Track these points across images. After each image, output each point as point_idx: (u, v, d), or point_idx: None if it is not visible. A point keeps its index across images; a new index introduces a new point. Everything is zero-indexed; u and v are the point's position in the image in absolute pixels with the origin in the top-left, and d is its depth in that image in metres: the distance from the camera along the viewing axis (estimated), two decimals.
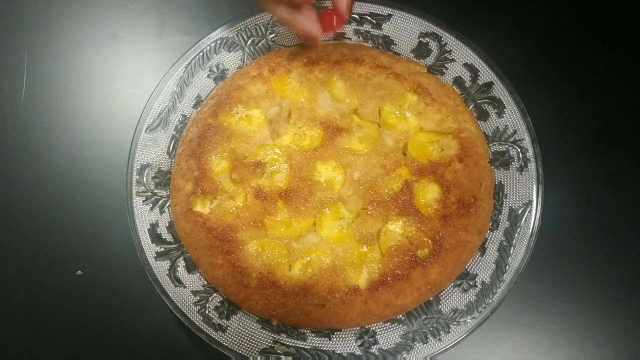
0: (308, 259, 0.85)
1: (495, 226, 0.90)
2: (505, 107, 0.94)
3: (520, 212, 0.89)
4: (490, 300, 0.85)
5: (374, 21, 1.00)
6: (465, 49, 0.97)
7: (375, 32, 1.00)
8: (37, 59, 1.10)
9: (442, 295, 0.87)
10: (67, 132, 1.05)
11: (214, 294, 0.87)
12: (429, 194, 0.89)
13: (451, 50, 0.98)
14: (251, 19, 0.99)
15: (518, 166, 0.91)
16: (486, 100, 0.96)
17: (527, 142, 0.92)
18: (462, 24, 0.99)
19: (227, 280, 0.85)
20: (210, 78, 0.98)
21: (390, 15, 0.99)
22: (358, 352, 0.84)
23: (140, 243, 0.88)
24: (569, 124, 1.04)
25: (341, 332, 0.86)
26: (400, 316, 0.86)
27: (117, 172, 0.96)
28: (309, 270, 0.84)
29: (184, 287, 0.87)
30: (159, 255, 0.88)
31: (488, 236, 0.89)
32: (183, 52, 0.98)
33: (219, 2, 1.15)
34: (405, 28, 0.99)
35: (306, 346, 0.85)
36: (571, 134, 1.03)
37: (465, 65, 0.97)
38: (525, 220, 0.88)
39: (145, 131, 0.94)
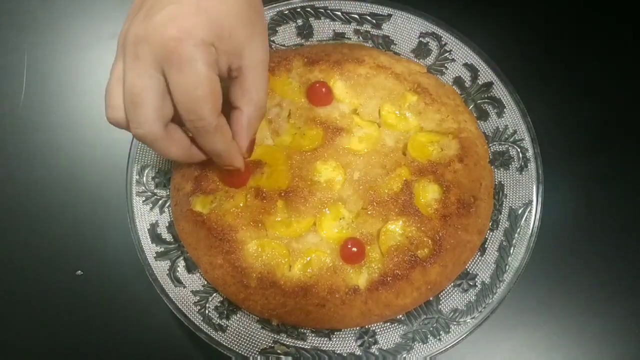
0: (308, 258, 0.85)
1: (495, 226, 0.90)
2: (505, 107, 0.94)
3: (520, 212, 0.89)
4: (490, 300, 0.85)
5: (374, 21, 1.00)
6: (465, 49, 0.97)
7: (375, 32, 1.00)
8: (37, 58, 1.10)
9: (442, 295, 0.87)
10: (67, 132, 1.05)
11: (214, 294, 0.87)
12: (428, 193, 0.89)
13: (451, 50, 0.98)
14: None
15: (518, 166, 0.91)
16: (486, 100, 0.96)
17: (527, 142, 0.92)
18: (462, 24, 0.99)
19: (227, 280, 0.85)
20: None
21: (390, 15, 0.99)
22: (358, 352, 0.84)
23: (140, 243, 0.88)
24: (568, 124, 1.04)
25: (341, 332, 0.86)
26: (400, 316, 0.86)
27: (117, 172, 0.96)
28: (309, 270, 0.84)
29: (184, 287, 0.87)
30: (159, 255, 0.88)
31: (488, 236, 0.90)
32: None
33: None
34: (405, 28, 0.99)
35: (306, 346, 0.85)
36: (571, 134, 1.03)
37: (465, 65, 0.97)
38: (525, 220, 0.88)
39: None
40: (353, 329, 0.86)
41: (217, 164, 0.79)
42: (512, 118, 0.93)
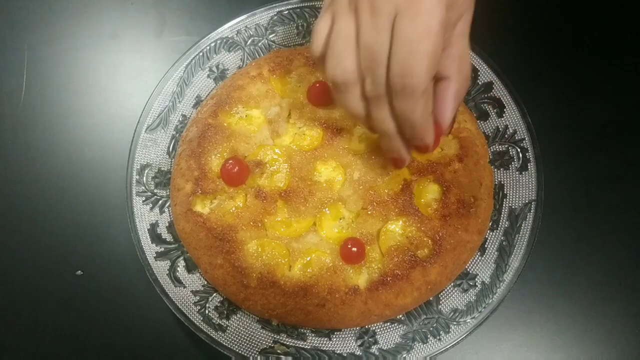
0: (308, 258, 0.85)
1: (495, 226, 0.90)
2: (505, 107, 0.94)
3: (520, 212, 0.89)
4: (490, 300, 0.85)
5: None
6: None
7: None
8: (37, 58, 1.10)
9: (442, 295, 0.87)
10: (67, 132, 1.05)
11: (214, 294, 0.87)
12: (428, 193, 0.89)
13: None
14: (251, 19, 1.00)
15: (518, 166, 0.91)
16: (486, 100, 0.96)
17: (527, 142, 0.92)
18: None
19: (227, 280, 0.85)
20: (210, 78, 0.99)
21: None
22: (358, 352, 0.84)
23: (140, 243, 0.88)
24: (569, 124, 1.04)
25: (341, 332, 0.86)
26: (400, 316, 0.86)
27: (117, 172, 0.96)
28: (309, 270, 0.84)
29: (184, 287, 0.87)
30: (159, 255, 0.88)
31: (488, 236, 0.89)
32: (183, 52, 0.98)
33: (219, 2, 1.15)
34: None
35: (306, 346, 0.85)
36: (571, 134, 1.03)
37: None
38: (525, 220, 0.88)
39: (145, 131, 0.94)
40: (353, 329, 0.86)
41: (393, 142, 0.75)
42: (512, 118, 0.93)
